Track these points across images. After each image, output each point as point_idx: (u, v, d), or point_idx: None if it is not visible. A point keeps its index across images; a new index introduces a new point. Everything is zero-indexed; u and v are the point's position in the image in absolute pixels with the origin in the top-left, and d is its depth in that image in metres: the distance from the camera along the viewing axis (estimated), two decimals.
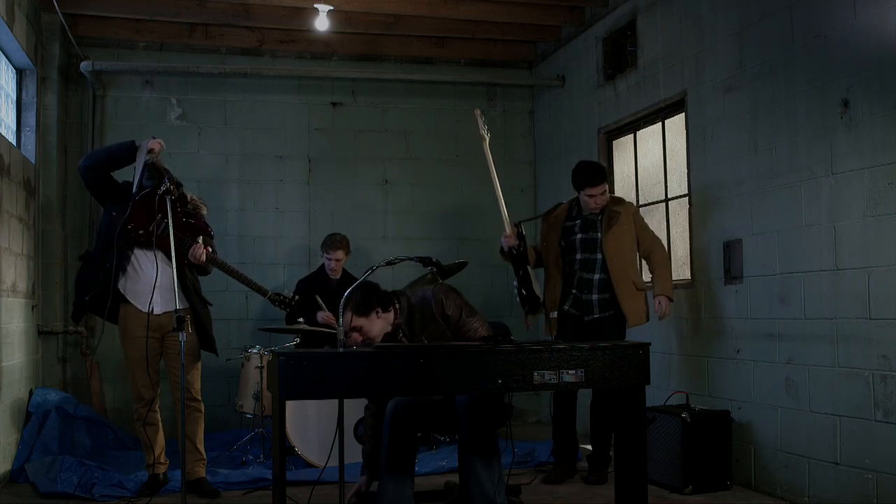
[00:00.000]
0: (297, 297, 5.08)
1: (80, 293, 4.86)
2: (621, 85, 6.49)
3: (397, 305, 4.04)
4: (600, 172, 5.16)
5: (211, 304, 5.11)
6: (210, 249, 4.81)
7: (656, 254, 5.26)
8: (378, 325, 3.94)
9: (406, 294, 4.15)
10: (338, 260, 6.47)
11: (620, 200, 5.35)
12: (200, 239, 4.79)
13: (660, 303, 5.13)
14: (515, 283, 5.25)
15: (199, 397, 4.91)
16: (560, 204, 5.41)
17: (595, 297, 5.11)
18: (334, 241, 6.46)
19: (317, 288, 6.50)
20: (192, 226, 4.84)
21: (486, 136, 5.36)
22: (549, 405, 7.27)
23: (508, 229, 5.21)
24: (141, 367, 4.76)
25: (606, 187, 5.18)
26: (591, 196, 5.11)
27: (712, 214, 5.32)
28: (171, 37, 7.21)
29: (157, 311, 4.75)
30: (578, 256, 5.17)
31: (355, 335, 3.90)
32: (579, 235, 5.18)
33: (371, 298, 3.94)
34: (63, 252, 6.75)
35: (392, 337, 4.03)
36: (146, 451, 4.93)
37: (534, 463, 5.63)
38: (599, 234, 5.13)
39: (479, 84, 7.90)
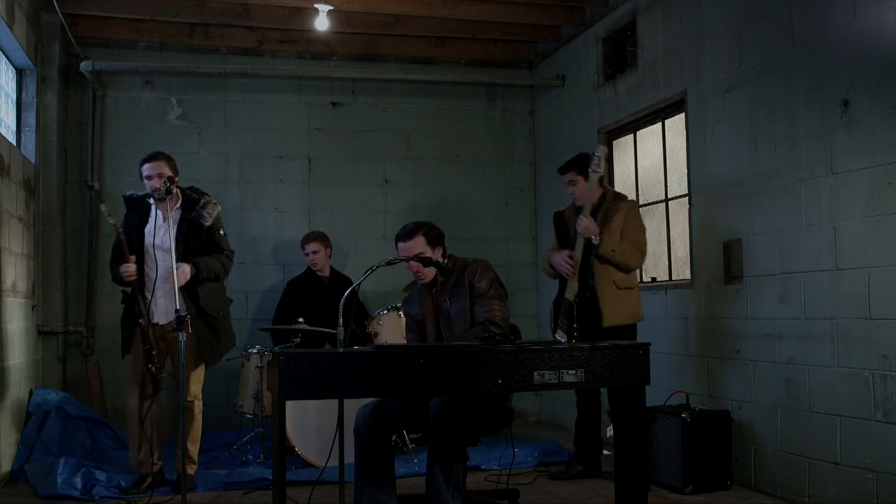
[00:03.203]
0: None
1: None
2: (621, 85, 6.49)
3: (444, 253, 4.28)
4: (569, 162, 5.28)
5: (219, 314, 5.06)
6: (186, 273, 4.76)
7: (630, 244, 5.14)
8: (425, 246, 4.17)
9: (457, 257, 4.35)
10: (315, 252, 6.50)
11: (623, 197, 5.32)
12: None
13: (587, 225, 5.02)
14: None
15: (192, 398, 4.93)
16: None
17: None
18: (309, 235, 6.62)
19: (306, 287, 6.52)
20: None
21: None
22: (548, 405, 7.30)
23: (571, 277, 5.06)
24: (139, 366, 4.85)
25: (577, 177, 5.19)
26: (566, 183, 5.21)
27: (712, 214, 5.32)
28: (171, 37, 7.21)
29: (162, 322, 4.90)
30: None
31: (412, 262, 4.17)
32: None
33: (422, 226, 4.23)
34: (63, 252, 6.75)
35: (429, 288, 4.28)
36: (147, 449, 4.94)
37: (534, 463, 5.64)
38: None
39: (479, 84, 7.91)
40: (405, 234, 4.20)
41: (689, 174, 5.61)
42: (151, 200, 4.90)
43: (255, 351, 5.97)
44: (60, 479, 4.88)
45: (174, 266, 4.49)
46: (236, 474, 5.18)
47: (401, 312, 5.84)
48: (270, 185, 7.46)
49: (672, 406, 5.11)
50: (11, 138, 5.99)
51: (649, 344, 3.72)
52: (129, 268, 4.76)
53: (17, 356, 5.57)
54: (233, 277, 7.12)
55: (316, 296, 6.45)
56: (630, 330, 5.12)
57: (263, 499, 4.81)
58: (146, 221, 4.90)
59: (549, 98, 7.74)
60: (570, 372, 3.48)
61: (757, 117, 4.91)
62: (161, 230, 4.81)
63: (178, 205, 4.91)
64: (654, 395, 5.12)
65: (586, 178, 5.13)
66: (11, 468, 5.33)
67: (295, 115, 7.56)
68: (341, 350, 3.54)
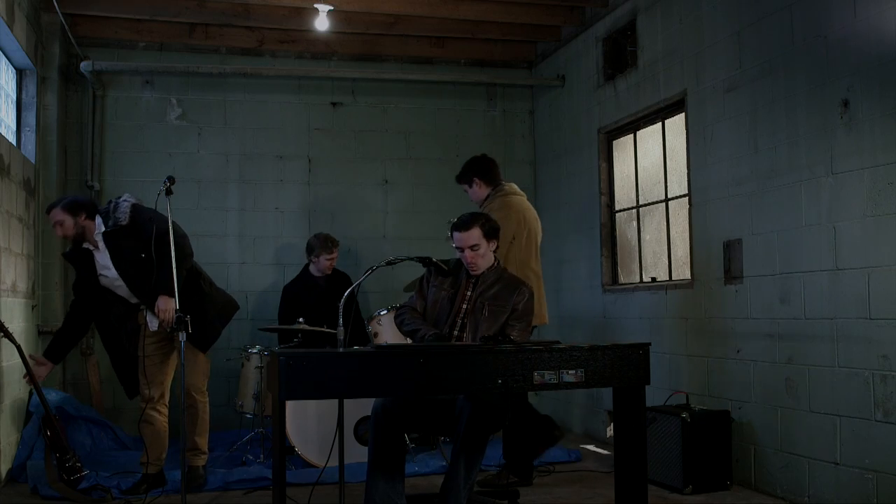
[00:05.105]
0: None
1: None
2: (621, 85, 6.49)
3: (497, 248, 4.38)
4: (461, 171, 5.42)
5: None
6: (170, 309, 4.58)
7: None
8: (480, 238, 4.22)
9: (503, 265, 4.46)
10: (336, 258, 6.51)
11: (499, 192, 5.31)
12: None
13: None
14: None
15: (195, 393, 4.96)
16: None
17: None
18: (332, 242, 6.47)
19: (305, 290, 6.49)
20: None
21: None
22: (548, 405, 7.28)
23: None
24: (140, 366, 4.87)
25: (463, 185, 5.41)
26: None
27: (712, 214, 5.32)
28: (171, 37, 7.21)
29: (154, 327, 4.89)
30: None
31: (467, 251, 4.21)
32: None
33: (479, 217, 4.30)
34: (63, 252, 6.74)
35: (458, 282, 4.31)
36: (144, 449, 4.95)
37: (535, 464, 5.62)
38: None
39: (479, 84, 7.90)
40: (463, 224, 4.23)
41: (689, 174, 5.61)
42: (84, 245, 4.78)
43: (255, 351, 5.98)
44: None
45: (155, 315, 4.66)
46: (236, 474, 5.18)
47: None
48: (270, 185, 7.46)
49: (672, 406, 5.11)
50: (11, 138, 5.99)
51: (649, 344, 3.72)
52: (39, 371, 4.94)
53: (18, 356, 5.56)
54: (233, 277, 7.19)
55: (315, 297, 6.44)
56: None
57: (263, 499, 4.81)
58: (93, 267, 4.79)
59: (549, 98, 7.75)
60: (570, 372, 3.49)
61: (757, 117, 4.91)
62: (107, 266, 4.75)
63: (98, 229, 4.73)
64: (654, 395, 5.13)
65: (470, 185, 5.33)
66: (11, 468, 5.33)
67: (295, 115, 7.56)
68: (341, 350, 3.55)
